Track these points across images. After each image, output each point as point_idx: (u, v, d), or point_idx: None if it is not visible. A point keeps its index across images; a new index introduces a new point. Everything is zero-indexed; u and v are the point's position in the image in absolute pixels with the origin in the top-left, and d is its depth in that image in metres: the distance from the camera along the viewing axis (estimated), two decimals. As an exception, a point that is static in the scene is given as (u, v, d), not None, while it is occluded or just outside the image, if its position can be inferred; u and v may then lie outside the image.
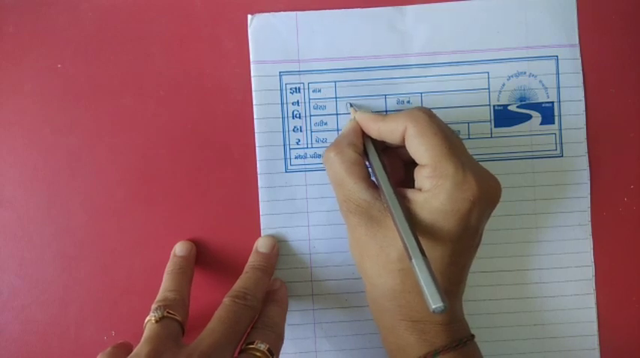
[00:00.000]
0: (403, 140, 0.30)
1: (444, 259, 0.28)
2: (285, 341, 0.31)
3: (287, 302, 0.34)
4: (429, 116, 0.29)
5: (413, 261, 0.26)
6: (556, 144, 0.36)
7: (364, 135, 0.32)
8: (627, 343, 0.36)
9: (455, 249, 0.28)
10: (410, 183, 0.30)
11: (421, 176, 0.29)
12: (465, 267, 0.30)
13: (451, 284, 0.29)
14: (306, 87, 0.35)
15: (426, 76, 0.35)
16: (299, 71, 0.35)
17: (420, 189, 0.29)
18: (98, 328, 0.35)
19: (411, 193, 0.29)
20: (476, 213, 0.28)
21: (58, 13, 0.35)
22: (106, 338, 0.35)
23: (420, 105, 0.35)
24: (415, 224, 0.28)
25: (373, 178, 0.31)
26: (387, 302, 0.30)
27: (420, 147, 0.29)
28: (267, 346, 0.28)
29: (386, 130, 0.30)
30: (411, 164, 0.30)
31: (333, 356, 0.36)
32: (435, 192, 0.28)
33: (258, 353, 0.28)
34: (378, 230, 0.29)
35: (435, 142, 0.28)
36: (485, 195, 0.28)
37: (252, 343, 0.29)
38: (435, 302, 0.25)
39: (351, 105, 0.35)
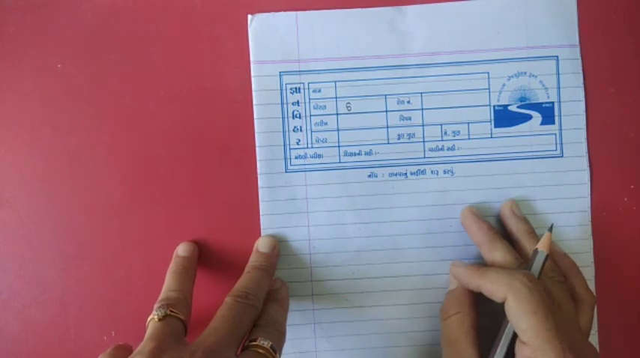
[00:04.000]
0: (502, 302, 0.29)
1: None
2: (285, 341, 0.31)
3: (288, 302, 0.34)
4: (529, 289, 0.28)
5: None
6: (556, 144, 0.36)
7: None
8: (627, 343, 0.36)
9: None
10: None
11: (522, 353, 0.28)
12: None
13: None
14: (306, 87, 0.35)
15: (426, 76, 0.35)
16: (299, 71, 0.35)
17: None
18: (98, 328, 0.35)
19: None
20: None
21: (58, 13, 0.35)
22: (106, 339, 0.35)
23: (420, 105, 0.35)
24: None
25: None
26: None
27: (520, 324, 0.27)
28: (270, 343, 0.29)
29: (486, 291, 0.30)
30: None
31: (333, 356, 0.36)
32: None
33: (261, 350, 0.28)
34: None
35: (535, 323, 0.27)
36: None
37: (254, 340, 0.29)
38: None
39: (550, 229, 0.32)
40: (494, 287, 0.29)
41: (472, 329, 0.31)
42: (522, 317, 0.27)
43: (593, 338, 0.36)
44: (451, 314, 0.31)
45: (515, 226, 0.34)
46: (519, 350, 0.28)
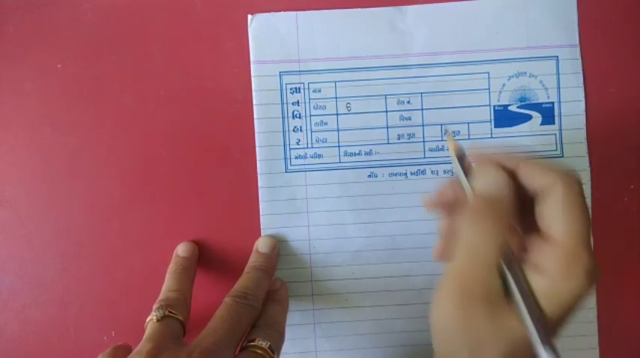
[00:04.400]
0: (533, 193, 0.26)
1: None
2: (285, 341, 0.31)
3: (288, 302, 0.34)
4: (579, 186, 0.25)
5: (540, 349, 0.24)
6: (556, 144, 0.36)
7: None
8: (627, 343, 0.36)
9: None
10: None
11: (547, 255, 0.25)
12: None
13: None
14: (306, 87, 0.35)
15: (426, 76, 0.35)
16: (299, 71, 0.35)
17: (536, 265, 0.25)
18: (98, 328, 0.35)
19: (531, 277, 0.25)
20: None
21: (58, 13, 0.35)
22: (106, 339, 0.35)
23: (420, 105, 0.35)
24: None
25: None
26: None
27: (560, 220, 0.24)
28: (269, 343, 0.29)
29: (527, 174, 0.26)
30: None
31: (333, 356, 0.36)
32: (565, 280, 0.24)
33: (259, 351, 0.28)
34: (496, 317, 0.25)
35: (579, 223, 0.24)
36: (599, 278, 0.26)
37: (253, 340, 0.29)
38: None
39: (447, 132, 0.31)
40: (541, 173, 0.25)
41: (504, 244, 0.25)
42: (566, 213, 0.24)
43: (594, 339, 0.36)
44: (489, 223, 0.25)
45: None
46: (544, 251, 0.25)
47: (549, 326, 0.24)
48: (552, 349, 0.24)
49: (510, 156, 0.27)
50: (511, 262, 0.25)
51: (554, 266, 0.24)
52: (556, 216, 0.25)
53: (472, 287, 0.25)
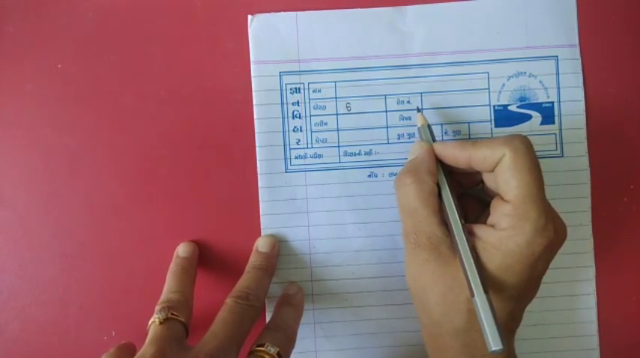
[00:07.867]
0: (493, 168, 0.28)
1: (512, 300, 0.28)
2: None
3: (302, 308, 0.34)
4: (527, 148, 0.27)
5: (475, 298, 0.26)
6: (556, 144, 0.36)
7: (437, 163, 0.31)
8: (627, 343, 0.36)
9: (522, 291, 0.28)
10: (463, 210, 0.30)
11: (499, 212, 0.27)
12: (526, 306, 0.30)
13: (513, 323, 0.29)
14: (306, 87, 0.35)
15: (426, 76, 0.35)
16: (299, 71, 0.35)
17: (492, 226, 0.28)
18: (98, 328, 0.35)
19: (481, 230, 0.28)
20: (546, 258, 0.28)
21: (58, 13, 0.35)
22: (106, 338, 0.35)
23: (420, 105, 0.35)
24: (485, 262, 0.27)
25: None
26: (450, 341, 0.29)
27: (511, 181, 0.27)
28: (277, 350, 0.28)
29: (479, 157, 0.28)
30: (465, 195, 0.31)
31: (333, 356, 0.36)
32: (512, 233, 0.27)
33: (267, 357, 0.28)
34: (447, 268, 0.28)
35: (528, 180, 0.27)
36: (558, 241, 0.28)
37: (262, 345, 0.29)
38: (495, 343, 0.25)
39: (419, 110, 0.34)
40: (490, 149, 0.28)
41: (431, 197, 0.29)
42: (515, 173, 0.27)
43: (594, 339, 0.36)
44: (408, 182, 0.29)
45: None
46: (497, 209, 0.28)
47: (489, 278, 0.27)
48: (485, 297, 0.26)
49: (457, 150, 0.29)
50: (449, 213, 0.29)
51: (504, 222, 0.27)
52: (505, 178, 0.27)
53: (417, 238, 0.29)
